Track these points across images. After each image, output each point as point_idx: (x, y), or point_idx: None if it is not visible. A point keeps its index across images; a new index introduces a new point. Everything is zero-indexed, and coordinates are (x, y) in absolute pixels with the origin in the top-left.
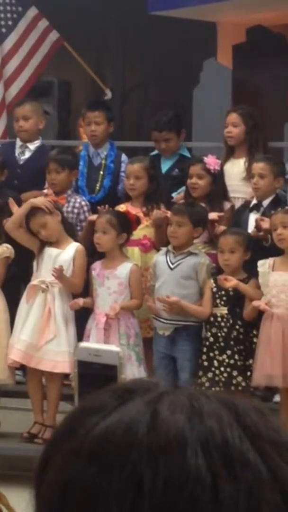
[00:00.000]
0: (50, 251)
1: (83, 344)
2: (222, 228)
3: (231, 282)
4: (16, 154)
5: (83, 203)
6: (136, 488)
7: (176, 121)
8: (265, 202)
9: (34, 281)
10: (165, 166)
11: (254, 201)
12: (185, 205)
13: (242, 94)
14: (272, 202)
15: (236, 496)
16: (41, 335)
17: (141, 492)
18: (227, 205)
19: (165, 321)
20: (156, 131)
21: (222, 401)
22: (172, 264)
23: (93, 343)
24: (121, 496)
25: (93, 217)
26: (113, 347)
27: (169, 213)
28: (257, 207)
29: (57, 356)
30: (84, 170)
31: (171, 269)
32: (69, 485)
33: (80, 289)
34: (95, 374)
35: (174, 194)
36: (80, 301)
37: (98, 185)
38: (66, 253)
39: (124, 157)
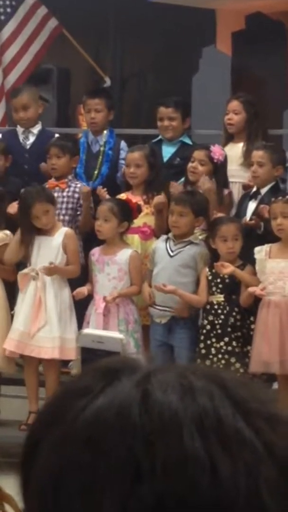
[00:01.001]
0: (39, 239)
1: (86, 330)
2: (219, 214)
3: (228, 268)
4: (21, 140)
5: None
6: (135, 473)
7: (184, 105)
8: (263, 190)
9: (24, 270)
10: (166, 154)
11: (254, 189)
12: (187, 194)
13: (241, 81)
14: (271, 190)
15: (234, 475)
16: (33, 323)
17: (140, 477)
18: (224, 192)
19: (161, 308)
20: (163, 107)
21: (210, 376)
22: (172, 251)
23: (96, 330)
24: (120, 482)
25: (87, 188)
26: (116, 334)
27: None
28: (255, 195)
29: (48, 342)
30: (82, 157)
31: (171, 256)
32: (63, 472)
33: (78, 272)
34: (97, 361)
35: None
36: (85, 290)
37: (96, 172)
38: (56, 239)
39: (123, 144)
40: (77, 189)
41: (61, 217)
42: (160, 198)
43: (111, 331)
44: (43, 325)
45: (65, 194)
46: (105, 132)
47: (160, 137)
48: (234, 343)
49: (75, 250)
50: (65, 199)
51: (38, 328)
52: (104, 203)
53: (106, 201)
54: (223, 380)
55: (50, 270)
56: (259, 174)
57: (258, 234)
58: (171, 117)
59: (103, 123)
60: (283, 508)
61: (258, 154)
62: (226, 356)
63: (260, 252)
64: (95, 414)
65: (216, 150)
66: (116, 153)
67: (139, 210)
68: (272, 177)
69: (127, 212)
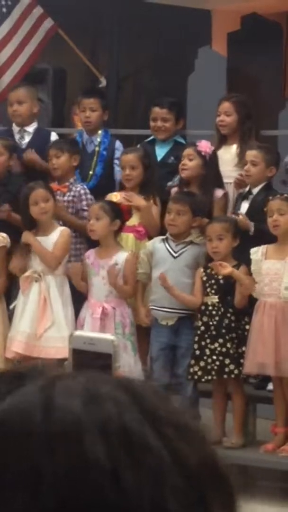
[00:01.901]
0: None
1: (77, 332)
2: (205, 220)
3: (226, 269)
4: (17, 139)
5: (82, 191)
6: (36, 480)
7: (179, 107)
8: (255, 190)
9: (26, 272)
10: (160, 153)
11: (246, 189)
12: (185, 193)
13: (236, 82)
14: (263, 189)
15: (139, 483)
16: (39, 324)
17: (42, 484)
18: (220, 193)
19: (170, 310)
20: (157, 107)
21: (119, 383)
22: (175, 252)
23: (87, 331)
24: (22, 490)
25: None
26: (108, 336)
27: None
28: (247, 196)
29: (59, 341)
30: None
31: (174, 257)
32: None
33: (54, 261)
34: (89, 363)
35: (169, 183)
36: (79, 265)
37: (91, 172)
38: (52, 238)
39: (118, 144)
40: (77, 193)
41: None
42: (140, 200)
43: (102, 333)
44: (49, 326)
45: (65, 198)
46: (99, 132)
47: (153, 137)
48: (228, 345)
49: (61, 243)
50: (65, 204)
51: (45, 329)
52: (95, 203)
53: (97, 201)
54: (133, 387)
55: (27, 237)
56: (252, 173)
57: (256, 234)
58: (165, 118)
59: (97, 123)
60: None
61: (252, 154)
62: (221, 358)
63: (256, 253)
64: None
65: (203, 144)
66: (110, 153)
67: (130, 213)
68: (265, 177)
69: (118, 211)
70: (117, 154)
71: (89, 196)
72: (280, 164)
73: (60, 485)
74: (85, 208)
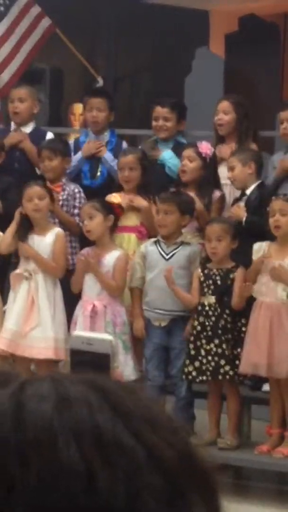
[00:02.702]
0: (32, 238)
1: (76, 332)
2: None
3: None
4: None
5: (76, 190)
6: (6, 490)
7: (180, 107)
8: (248, 191)
9: (17, 270)
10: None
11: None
12: (172, 193)
13: (234, 83)
14: (256, 188)
15: (113, 483)
16: (25, 323)
17: (12, 494)
18: (217, 194)
19: (162, 312)
20: (159, 106)
21: (88, 383)
22: (167, 254)
23: (85, 331)
24: None
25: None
26: (106, 336)
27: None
28: (241, 197)
29: (42, 342)
30: (79, 156)
31: (166, 259)
32: None
33: (59, 272)
34: (87, 363)
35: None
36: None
37: (98, 171)
38: (47, 239)
39: (125, 145)
40: (71, 192)
41: (57, 220)
42: (141, 201)
43: (101, 333)
44: (35, 326)
45: (60, 197)
46: (106, 133)
47: (155, 137)
48: (224, 346)
49: (60, 252)
50: (60, 203)
51: (31, 328)
52: (85, 205)
53: (86, 202)
54: (102, 385)
55: (29, 252)
56: (234, 177)
57: (258, 235)
58: (166, 117)
59: (104, 123)
60: None
61: (229, 160)
62: (216, 358)
63: (258, 251)
64: None
65: (203, 146)
66: (117, 153)
67: (121, 208)
68: (247, 175)
69: (109, 207)
70: None
71: (82, 195)
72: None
73: (32, 493)
74: (77, 205)
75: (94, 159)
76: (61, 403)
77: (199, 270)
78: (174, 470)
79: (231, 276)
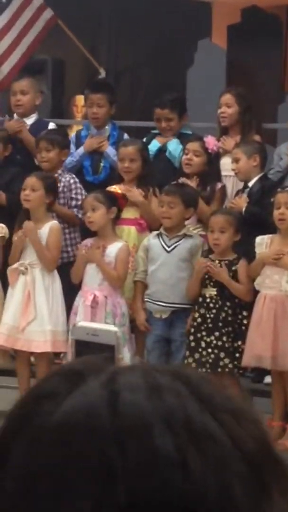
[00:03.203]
0: None
1: (80, 323)
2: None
3: (221, 274)
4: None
5: (71, 180)
6: (108, 475)
7: (180, 103)
8: (251, 183)
9: (14, 265)
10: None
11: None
12: (176, 186)
13: (236, 75)
14: (259, 181)
15: (205, 470)
16: (22, 317)
17: (112, 479)
18: (218, 185)
19: (164, 304)
20: (159, 108)
21: (174, 374)
22: (168, 247)
23: (90, 322)
24: (92, 483)
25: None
26: (111, 327)
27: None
28: (243, 189)
29: (40, 336)
30: (80, 151)
31: (168, 252)
32: (34, 476)
33: (52, 264)
34: (92, 354)
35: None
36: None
37: (101, 165)
38: (43, 232)
39: (126, 137)
40: (66, 183)
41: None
42: (138, 196)
43: (106, 324)
44: (32, 319)
45: None
46: (107, 127)
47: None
48: (224, 338)
49: (53, 244)
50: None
51: (28, 322)
52: (88, 196)
53: (89, 194)
54: (187, 377)
55: (29, 231)
56: (238, 169)
57: (257, 225)
58: (168, 118)
59: (105, 118)
60: (256, 502)
61: (233, 152)
62: (216, 351)
63: (261, 244)
64: (63, 417)
65: (210, 140)
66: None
67: (125, 198)
68: (252, 168)
69: (112, 198)
70: None
71: (78, 185)
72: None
73: (132, 479)
74: (74, 196)
75: (95, 154)
76: (153, 393)
77: (202, 260)
78: (257, 461)
79: (233, 268)
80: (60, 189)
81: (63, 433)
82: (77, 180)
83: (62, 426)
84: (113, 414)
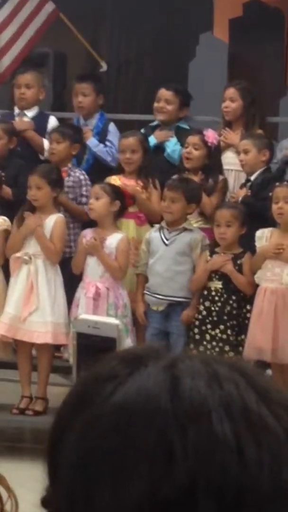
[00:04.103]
0: None
1: (82, 316)
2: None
3: (227, 267)
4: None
5: (81, 177)
6: (169, 455)
7: (185, 93)
8: (253, 177)
9: (17, 253)
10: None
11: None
12: (179, 180)
13: (238, 69)
14: (261, 174)
15: (260, 459)
16: (24, 307)
17: (172, 460)
18: (219, 178)
19: (161, 297)
20: (164, 89)
21: (232, 365)
22: (167, 240)
23: (92, 315)
24: (151, 464)
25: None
26: (112, 320)
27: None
28: (245, 183)
29: (41, 326)
30: None
31: (166, 245)
32: (92, 456)
33: (56, 256)
34: (93, 346)
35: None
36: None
37: (85, 155)
38: (47, 224)
39: (111, 126)
40: (76, 179)
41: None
42: (134, 188)
43: (107, 317)
44: (34, 310)
45: (65, 183)
46: (95, 116)
47: (156, 121)
48: (229, 332)
49: (57, 237)
50: (65, 189)
51: (29, 312)
52: (96, 184)
53: (98, 183)
54: (244, 369)
55: (34, 225)
56: (246, 161)
57: (263, 221)
58: (168, 100)
59: (90, 108)
60: None
61: (242, 143)
62: (220, 344)
63: (261, 238)
64: (123, 398)
65: (210, 134)
66: (103, 137)
67: (134, 199)
68: (259, 162)
69: (119, 193)
70: (109, 136)
71: (88, 182)
72: (272, 148)
73: (191, 461)
74: (84, 193)
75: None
76: (213, 380)
77: (208, 253)
78: None
79: (239, 261)
80: (70, 184)
81: (124, 413)
82: (87, 177)
83: (123, 406)
84: (174, 397)
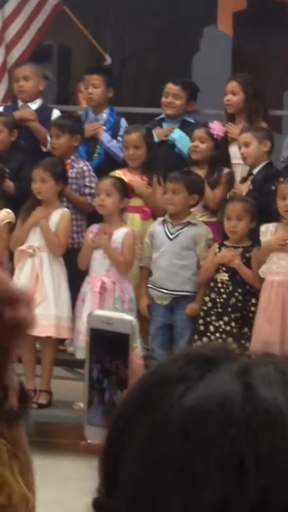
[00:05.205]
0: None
1: (96, 312)
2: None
3: (235, 261)
4: None
5: (85, 168)
6: (238, 468)
7: (193, 88)
8: (255, 170)
9: (22, 246)
10: None
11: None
12: (181, 172)
13: (242, 62)
14: (264, 169)
15: None
16: None
17: (244, 473)
18: (224, 171)
19: (166, 292)
20: (171, 83)
21: None
22: (171, 234)
23: (106, 311)
24: (223, 475)
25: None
26: (127, 316)
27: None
28: (248, 177)
29: (45, 319)
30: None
31: (170, 239)
32: (159, 463)
33: (60, 249)
34: (106, 342)
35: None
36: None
37: (96, 150)
38: (53, 218)
39: (123, 121)
40: (79, 170)
41: (65, 198)
42: (142, 188)
43: (121, 313)
44: (39, 302)
45: (69, 175)
46: (105, 110)
47: (162, 115)
48: (233, 324)
49: (62, 231)
50: (69, 180)
51: (35, 304)
52: (106, 178)
53: (107, 177)
54: None
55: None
56: (248, 154)
57: (269, 215)
58: (176, 95)
59: (100, 99)
60: None
61: (242, 136)
62: (224, 336)
63: (265, 233)
64: (194, 402)
65: (215, 126)
66: (115, 132)
67: (133, 191)
68: (262, 153)
69: (126, 189)
70: (121, 131)
71: (92, 173)
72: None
73: (263, 474)
74: (88, 184)
75: (91, 140)
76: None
77: (216, 245)
78: None
79: (247, 255)
80: (74, 175)
81: (193, 419)
82: (90, 167)
83: (192, 411)
84: (247, 406)
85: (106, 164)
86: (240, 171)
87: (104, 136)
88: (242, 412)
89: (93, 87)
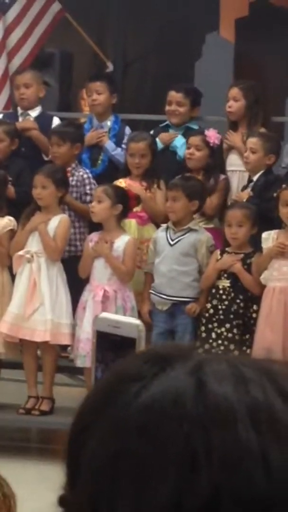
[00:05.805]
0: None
1: (103, 314)
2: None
3: (236, 266)
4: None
5: (85, 175)
6: (190, 463)
7: (196, 94)
8: (255, 177)
9: (20, 252)
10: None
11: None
12: (180, 179)
13: (244, 68)
14: (264, 176)
15: (286, 470)
16: (27, 304)
17: (196, 468)
18: (220, 177)
19: (164, 297)
20: (173, 91)
21: (260, 368)
22: (172, 240)
23: (113, 314)
24: (176, 470)
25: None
26: (134, 320)
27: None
28: (248, 183)
29: (41, 325)
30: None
31: (171, 245)
32: (116, 459)
33: (57, 254)
34: (112, 345)
35: None
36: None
37: (100, 157)
38: (51, 224)
39: (127, 129)
40: (80, 178)
41: (66, 206)
42: (141, 191)
43: (128, 317)
44: (37, 307)
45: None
46: (110, 117)
47: (167, 122)
48: (235, 330)
49: (60, 236)
50: (69, 188)
51: (33, 310)
52: (99, 186)
53: (101, 184)
54: (273, 372)
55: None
56: (250, 161)
57: (271, 222)
58: (180, 103)
59: (104, 106)
60: None
61: (251, 141)
62: (226, 343)
63: (267, 240)
64: (149, 400)
65: (211, 134)
66: (120, 140)
67: (138, 200)
68: (263, 165)
69: (122, 196)
70: (126, 139)
71: (92, 180)
72: (280, 151)
73: (215, 470)
74: (88, 192)
75: (95, 147)
76: (239, 385)
77: (218, 251)
78: None
79: (248, 261)
80: (74, 183)
81: (148, 417)
82: (90, 175)
83: (147, 409)
84: (199, 402)
85: (110, 171)
86: (236, 179)
87: (109, 144)
88: (194, 408)
89: (97, 94)
